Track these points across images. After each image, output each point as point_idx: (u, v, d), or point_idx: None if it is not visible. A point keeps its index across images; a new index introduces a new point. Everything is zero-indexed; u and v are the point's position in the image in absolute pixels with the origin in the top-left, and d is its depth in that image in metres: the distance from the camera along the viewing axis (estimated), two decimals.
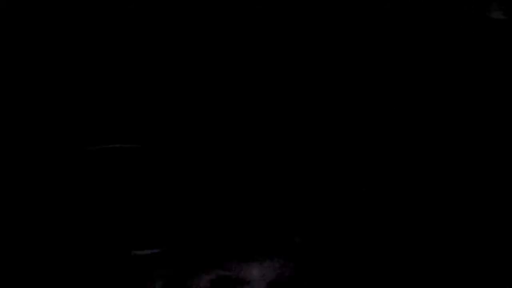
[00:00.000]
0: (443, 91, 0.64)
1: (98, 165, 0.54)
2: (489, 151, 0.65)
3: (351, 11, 0.58)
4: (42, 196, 0.55)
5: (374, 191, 0.58)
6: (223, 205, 0.49)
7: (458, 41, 0.65)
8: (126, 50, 0.59)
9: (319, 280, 0.49)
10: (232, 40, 0.57)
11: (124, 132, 0.56)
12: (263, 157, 0.53)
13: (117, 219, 0.51)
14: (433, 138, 0.62)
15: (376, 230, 0.58)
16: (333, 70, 0.59)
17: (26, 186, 0.55)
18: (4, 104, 0.58)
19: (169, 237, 0.49)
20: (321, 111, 0.57)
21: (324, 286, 0.49)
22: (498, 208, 0.64)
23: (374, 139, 0.59)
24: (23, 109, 0.59)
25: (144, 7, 0.55)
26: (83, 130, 0.58)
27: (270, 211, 0.49)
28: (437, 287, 0.59)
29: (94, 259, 0.50)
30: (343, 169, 0.57)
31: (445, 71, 0.64)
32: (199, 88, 0.56)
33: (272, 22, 0.58)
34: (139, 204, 0.51)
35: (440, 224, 0.61)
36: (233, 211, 0.48)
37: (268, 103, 0.56)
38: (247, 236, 0.46)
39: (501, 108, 0.65)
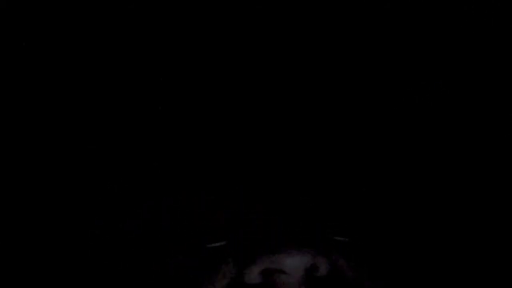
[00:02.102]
0: (443, 92, 0.64)
1: None
2: (489, 151, 0.65)
3: (351, 11, 0.58)
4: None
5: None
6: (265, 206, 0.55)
7: (459, 42, 0.65)
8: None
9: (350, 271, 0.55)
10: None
11: None
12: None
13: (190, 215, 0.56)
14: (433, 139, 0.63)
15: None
16: (333, 70, 0.59)
17: None
18: None
19: (228, 232, 0.55)
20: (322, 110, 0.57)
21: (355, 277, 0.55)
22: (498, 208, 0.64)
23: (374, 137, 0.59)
24: None
25: None
26: None
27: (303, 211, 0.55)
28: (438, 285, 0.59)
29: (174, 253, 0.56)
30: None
31: (445, 72, 0.65)
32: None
33: (271, 22, 0.58)
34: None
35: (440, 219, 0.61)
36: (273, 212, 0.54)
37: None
38: (287, 235, 0.51)
39: (501, 110, 0.65)
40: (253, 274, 0.51)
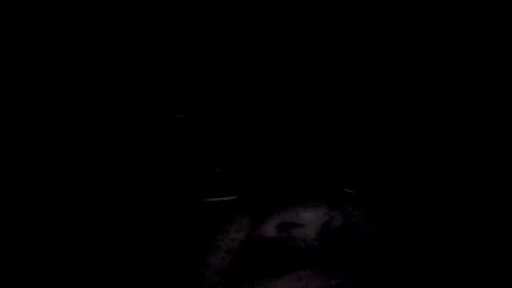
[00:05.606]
0: (442, 90, 0.64)
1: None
2: (489, 150, 0.65)
3: (351, 10, 0.58)
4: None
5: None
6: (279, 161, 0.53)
7: (459, 42, 0.65)
8: None
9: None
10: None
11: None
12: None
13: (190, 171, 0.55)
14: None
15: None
16: (332, 69, 0.59)
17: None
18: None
19: (241, 186, 0.54)
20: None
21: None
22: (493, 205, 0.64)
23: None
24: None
25: None
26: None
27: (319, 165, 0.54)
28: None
29: (168, 207, 0.55)
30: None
31: (444, 71, 0.65)
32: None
33: (270, 22, 0.58)
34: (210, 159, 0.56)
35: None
36: (287, 166, 0.53)
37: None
38: (301, 187, 0.51)
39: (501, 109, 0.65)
40: (269, 228, 0.51)
